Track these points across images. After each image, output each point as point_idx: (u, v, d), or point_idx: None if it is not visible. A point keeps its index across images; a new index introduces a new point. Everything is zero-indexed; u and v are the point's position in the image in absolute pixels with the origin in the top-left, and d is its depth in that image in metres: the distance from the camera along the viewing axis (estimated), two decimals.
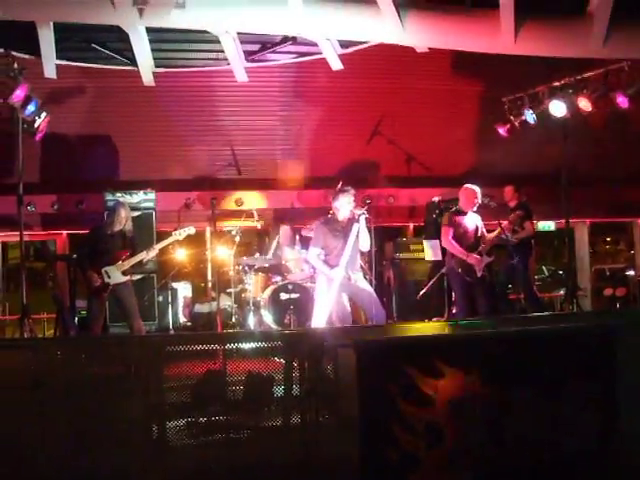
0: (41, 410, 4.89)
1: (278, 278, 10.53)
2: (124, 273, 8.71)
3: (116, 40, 11.02)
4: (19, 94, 9.14)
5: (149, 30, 10.37)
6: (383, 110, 12.68)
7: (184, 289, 12.55)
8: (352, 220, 8.18)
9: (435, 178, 13.18)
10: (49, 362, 5.16)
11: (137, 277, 9.11)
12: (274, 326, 9.97)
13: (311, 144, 13.11)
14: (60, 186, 12.49)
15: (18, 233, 9.36)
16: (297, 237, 10.86)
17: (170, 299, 11.71)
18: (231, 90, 12.18)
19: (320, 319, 8.12)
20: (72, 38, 10.96)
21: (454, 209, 9.42)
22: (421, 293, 10.36)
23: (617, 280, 14.13)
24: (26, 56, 10.50)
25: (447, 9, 9.87)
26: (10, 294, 13.52)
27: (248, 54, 11.58)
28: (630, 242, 16.65)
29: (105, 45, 11.27)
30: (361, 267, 8.76)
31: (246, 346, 5.34)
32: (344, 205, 8.23)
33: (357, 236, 8.11)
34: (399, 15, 9.48)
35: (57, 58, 10.65)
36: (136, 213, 10.12)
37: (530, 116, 11.20)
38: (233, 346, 5.28)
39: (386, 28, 9.68)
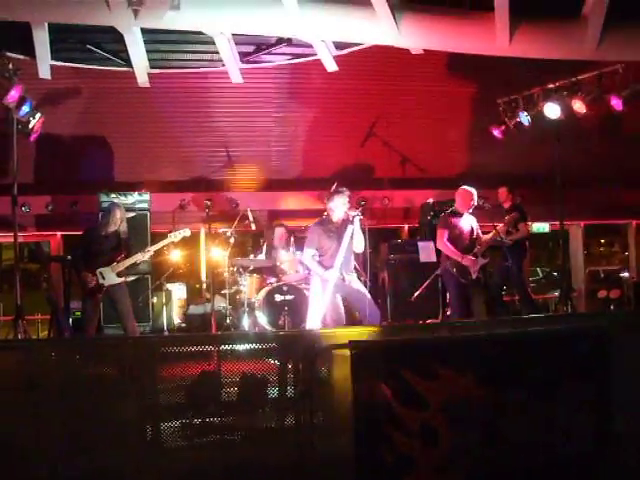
0: (35, 411, 4.88)
1: (273, 279, 10.53)
2: (118, 274, 8.69)
3: (111, 41, 11.02)
4: (13, 95, 9.13)
5: (144, 31, 10.37)
6: (378, 111, 12.69)
7: (178, 290, 12.54)
8: (346, 221, 8.19)
9: (430, 180, 13.20)
10: (43, 363, 5.14)
11: (131, 278, 9.10)
12: (268, 327, 9.96)
13: (306, 145, 13.12)
14: (54, 187, 12.47)
15: (12, 234, 9.33)
16: (292, 238, 10.86)
17: (164, 300, 11.70)
18: (226, 91, 12.17)
19: (314, 320, 8.12)
20: (67, 39, 10.95)
21: (449, 211, 9.43)
22: (415, 294, 10.35)
23: (611, 282, 14.16)
24: (21, 57, 10.50)
25: (442, 11, 9.89)
26: (4, 295, 13.50)
27: (243, 55, 11.59)
28: (624, 244, 16.68)
29: (100, 46, 11.25)
30: (355, 268, 8.77)
31: (240, 347, 5.33)
32: (339, 206, 8.23)
33: (351, 237, 8.12)
34: (394, 17, 9.50)
35: (52, 59, 10.65)
36: (131, 214, 10.11)
37: (525, 118, 11.21)
38: (227, 347, 5.28)
39: (381, 30, 9.70)
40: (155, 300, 11.75)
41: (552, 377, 4.57)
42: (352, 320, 9.01)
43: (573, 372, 4.61)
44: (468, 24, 9.78)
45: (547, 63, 10.19)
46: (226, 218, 12.10)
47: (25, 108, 9.49)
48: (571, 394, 4.58)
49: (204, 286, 12.50)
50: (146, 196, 11.80)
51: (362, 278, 9.19)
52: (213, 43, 10.86)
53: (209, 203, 11.84)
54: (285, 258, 10.60)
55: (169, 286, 12.02)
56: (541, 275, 19.61)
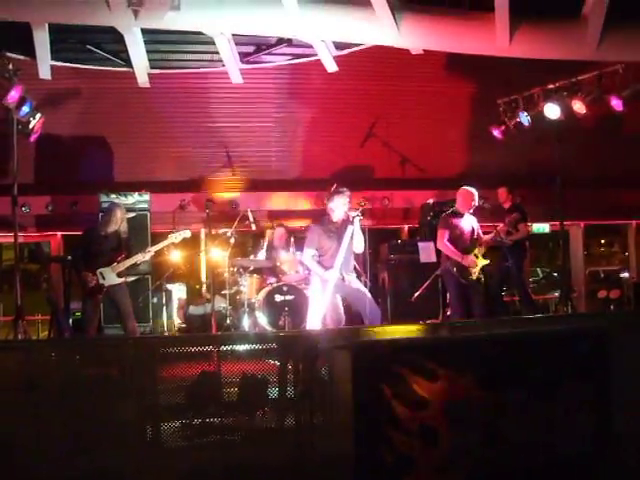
0: (35, 412, 4.88)
1: (273, 280, 10.53)
2: (119, 275, 8.69)
3: (111, 41, 11.03)
4: (14, 95, 9.14)
5: (144, 31, 10.38)
6: (378, 112, 12.69)
7: (179, 291, 12.53)
8: (346, 222, 8.19)
9: (430, 180, 13.20)
10: (43, 364, 5.14)
11: (131, 278, 9.09)
12: (269, 328, 9.96)
13: (306, 146, 13.12)
14: (55, 187, 12.47)
15: (12, 234, 9.33)
16: (292, 239, 10.86)
17: (164, 301, 11.69)
18: (226, 92, 12.18)
19: (314, 321, 8.12)
20: (67, 39, 10.97)
21: (450, 211, 9.41)
22: (416, 295, 10.35)
23: (611, 282, 14.18)
24: (21, 57, 10.51)
25: (442, 11, 9.90)
26: (4, 295, 13.49)
27: (243, 56, 11.60)
28: (624, 244, 16.68)
29: (100, 46, 11.27)
30: (355, 268, 8.77)
31: (241, 348, 5.34)
32: (339, 206, 8.24)
33: (351, 238, 8.12)
34: (394, 17, 9.51)
35: (52, 59, 10.65)
36: (131, 214, 10.11)
37: (525, 118, 11.21)
38: (228, 348, 5.28)
39: (381, 30, 9.71)
40: (155, 300, 11.73)
41: (552, 377, 4.57)
42: (352, 320, 9.02)
43: (573, 372, 4.61)
44: (468, 24, 9.78)
45: (547, 63, 10.20)
46: (226, 218, 12.10)
47: (25, 108, 9.49)
48: (571, 394, 4.58)
49: (204, 286, 12.50)
50: (146, 196, 11.79)
51: (362, 278, 9.19)
52: (213, 43, 10.86)
53: (209, 203, 11.84)
54: (285, 258, 10.60)
55: (169, 286, 12.01)
56: (541, 275, 19.61)
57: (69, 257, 10.85)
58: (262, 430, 5.17)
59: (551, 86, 10.75)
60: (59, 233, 12.97)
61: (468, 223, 9.26)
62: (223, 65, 11.34)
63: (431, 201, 12.34)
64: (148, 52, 10.88)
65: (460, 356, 4.50)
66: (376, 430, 4.29)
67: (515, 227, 10.34)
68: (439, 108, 12.71)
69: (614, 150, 13.11)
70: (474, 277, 9.01)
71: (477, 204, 9.32)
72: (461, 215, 9.26)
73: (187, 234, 9.13)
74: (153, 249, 9.00)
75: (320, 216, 8.67)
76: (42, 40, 10.21)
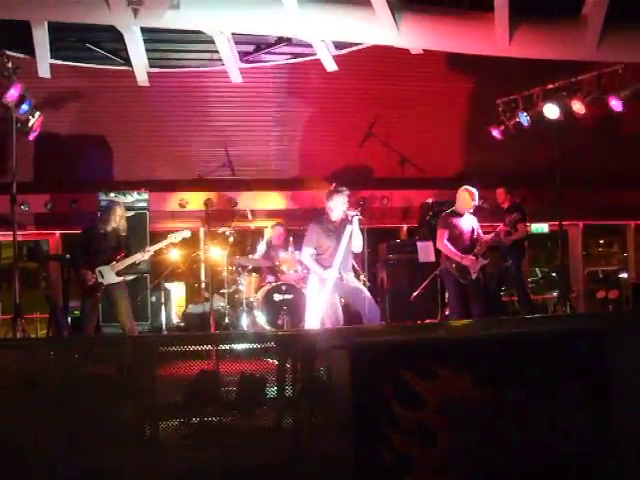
0: (34, 410, 4.87)
1: (272, 279, 10.53)
2: (118, 274, 8.68)
3: (111, 40, 11.03)
4: (13, 93, 9.12)
5: (144, 30, 10.37)
6: (377, 111, 12.69)
7: (177, 289, 12.53)
8: (345, 221, 8.18)
9: (429, 179, 13.21)
10: (42, 362, 5.13)
11: (130, 277, 9.08)
12: (267, 327, 9.97)
13: (305, 145, 13.12)
14: (54, 186, 12.48)
15: (11, 232, 9.33)
16: (290, 238, 10.86)
17: (163, 299, 11.69)
18: (225, 91, 12.19)
19: (313, 320, 8.12)
20: (67, 38, 10.97)
21: (450, 210, 9.39)
22: (414, 294, 10.36)
23: (610, 282, 14.18)
24: (20, 55, 10.51)
25: (442, 11, 9.90)
26: (3, 294, 13.51)
27: (242, 55, 11.60)
28: (623, 245, 16.68)
29: (99, 45, 11.27)
30: (353, 268, 8.77)
31: (239, 347, 5.33)
32: (338, 205, 8.23)
33: (350, 237, 8.12)
34: (394, 17, 9.50)
35: (51, 58, 10.65)
36: (130, 213, 10.10)
37: (524, 118, 11.21)
38: (226, 347, 5.27)
39: (381, 30, 9.71)
40: (154, 299, 11.73)
41: (551, 377, 4.56)
42: (351, 319, 9.02)
43: (572, 372, 4.61)
44: (468, 24, 9.79)
45: (547, 63, 10.20)
46: (225, 217, 12.10)
47: (24, 107, 9.49)
48: (570, 394, 4.57)
49: (203, 285, 12.50)
50: (145, 195, 11.79)
51: (360, 277, 9.19)
52: (212, 42, 10.87)
53: (208, 202, 11.84)
54: (284, 257, 10.60)
55: (168, 285, 12.01)
56: (540, 275, 19.59)
57: (67, 255, 10.85)
58: (260, 429, 5.16)
59: (550, 86, 10.75)
60: (58, 231, 12.98)
61: (468, 223, 9.25)
62: (222, 64, 11.35)
63: (430, 201, 12.35)
64: (147, 51, 10.89)
65: (459, 356, 4.50)
66: (375, 430, 4.29)
67: (514, 227, 10.34)
68: (438, 108, 12.71)
69: (613, 150, 13.11)
70: (473, 277, 9.01)
71: (477, 204, 9.30)
72: (461, 215, 9.25)
73: (187, 234, 9.12)
74: (152, 249, 8.99)
75: (319, 215, 8.66)
76: (41, 38, 10.21)
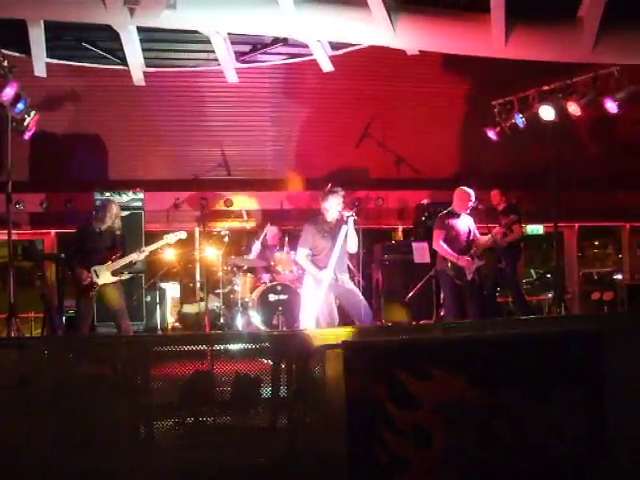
0: (27, 409, 4.86)
1: (267, 279, 10.53)
2: (113, 273, 8.66)
3: (107, 39, 10.99)
4: (9, 92, 9.12)
5: (140, 30, 10.35)
6: (373, 112, 12.69)
7: (172, 289, 12.52)
8: (340, 221, 8.18)
9: (424, 180, 13.20)
10: (36, 361, 5.12)
11: (125, 277, 9.08)
12: (262, 327, 9.96)
13: (301, 145, 13.11)
14: (49, 185, 12.45)
15: (6, 232, 9.31)
16: (286, 238, 10.85)
17: (158, 299, 11.67)
18: (221, 90, 12.17)
19: (308, 320, 8.11)
20: (63, 37, 10.94)
21: (447, 211, 9.38)
22: (409, 295, 10.36)
23: (605, 284, 14.18)
24: (16, 54, 10.47)
25: (438, 12, 9.89)
26: None
27: (239, 55, 11.57)
28: (618, 246, 16.69)
29: (96, 44, 11.23)
30: (349, 268, 8.76)
31: (234, 347, 5.32)
32: (333, 206, 8.23)
33: (345, 238, 8.11)
34: (390, 18, 9.49)
35: (47, 57, 10.62)
36: (125, 213, 10.09)
37: (519, 120, 11.22)
38: (221, 347, 5.27)
39: (377, 30, 9.69)
40: (149, 299, 11.72)
41: (546, 378, 4.57)
42: (346, 320, 9.01)
43: (566, 374, 4.62)
44: (464, 25, 9.77)
45: (542, 65, 10.20)
46: (220, 217, 12.09)
47: (20, 106, 9.48)
48: (564, 395, 4.58)
49: (198, 285, 12.49)
50: (140, 195, 11.79)
51: (355, 278, 9.19)
52: (209, 42, 10.85)
53: (203, 202, 11.83)
54: (279, 258, 10.60)
55: (163, 285, 12.00)
56: (535, 277, 19.62)
57: (62, 255, 10.83)
58: (255, 429, 5.16)
59: (546, 88, 10.77)
60: (53, 231, 12.95)
61: (464, 224, 9.25)
62: (218, 64, 11.33)
63: (425, 202, 12.36)
64: (144, 50, 10.86)
65: (454, 357, 4.50)
66: (370, 430, 4.29)
67: (510, 228, 10.34)
68: (434, 109, 12.71)
69: (608, 152, 13.14)
70: (469, 278, 9.01)
71: (474, 204, 9.29)
72: (457, 216, 9.25)
73: (183, 235, 9.11)
74: (148, 249, 8.97)
75: (314, 216, 8.65)
76: (37, 37, 10.18)
